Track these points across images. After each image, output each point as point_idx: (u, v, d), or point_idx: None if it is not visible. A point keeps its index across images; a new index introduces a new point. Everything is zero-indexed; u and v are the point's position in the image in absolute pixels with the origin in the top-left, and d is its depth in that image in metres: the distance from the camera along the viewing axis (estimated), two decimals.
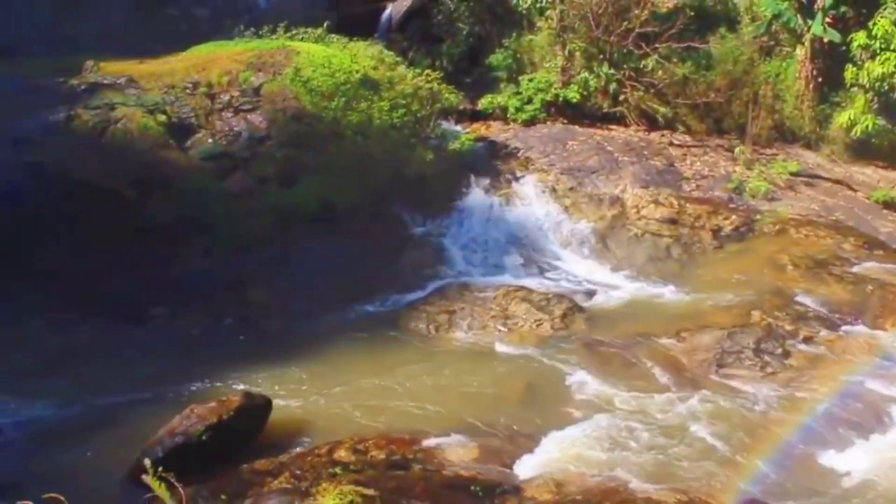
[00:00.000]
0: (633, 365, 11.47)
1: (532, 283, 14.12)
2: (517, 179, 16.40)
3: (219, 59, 16.15)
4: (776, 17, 18.01)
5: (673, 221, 15.42)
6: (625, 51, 18.40)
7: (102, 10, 19.52)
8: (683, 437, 9.60)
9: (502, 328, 12.67)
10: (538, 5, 18.96)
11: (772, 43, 18.83)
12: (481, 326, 12.72)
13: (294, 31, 17.22)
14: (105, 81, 15.54)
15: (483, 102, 18.60)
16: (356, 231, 14.30)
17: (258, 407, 9.76)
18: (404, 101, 15.57)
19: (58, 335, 12.58)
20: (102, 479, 8.98)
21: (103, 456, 9.50)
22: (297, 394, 10.85)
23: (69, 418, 10.45)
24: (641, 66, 18.35)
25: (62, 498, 4.16)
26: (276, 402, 10.03)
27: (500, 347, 12.22)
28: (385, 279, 13.98)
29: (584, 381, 10.98)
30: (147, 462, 4.36)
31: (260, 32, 17.21)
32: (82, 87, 15.41)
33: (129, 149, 14.03)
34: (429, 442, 9.44)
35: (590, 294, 13.91)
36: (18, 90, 15.20)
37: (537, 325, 12.62)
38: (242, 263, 13.61)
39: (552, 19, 18.68)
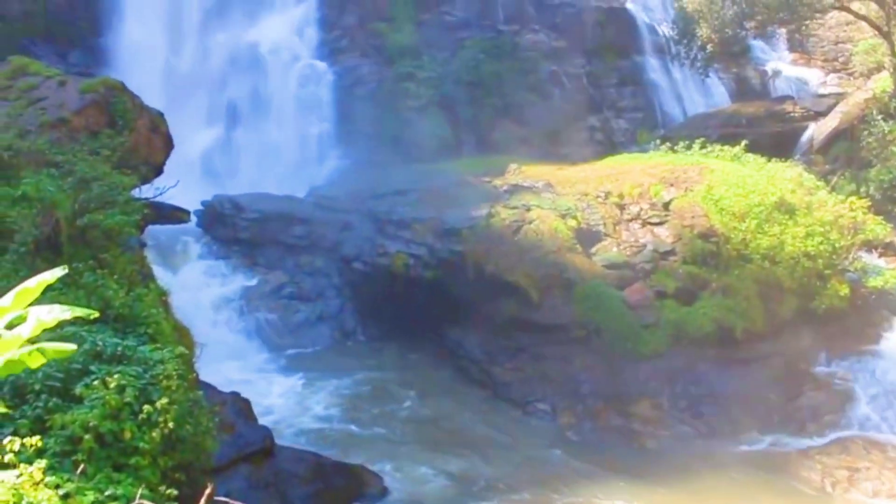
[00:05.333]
0: None
1: None
2: None
3: (632, 170, 16.58)
4: None
5: None
6: None
7: (532, 117, 21.36)
8: None
9: None
10: None
11: None
12: (890, 493, 11.19)
13: (710, 148, 17.13)
14: (525, 184, 16.81)
15: None
16: (753, 360, 13.58)
17: None
18: (822, 229, 14.56)
19: (453, 408, 13.62)
20: None
21: None
22: None
23: (444, 493, 11.16)
24: None
25: None
26: None
27: None
28: (779, 417, 13.00)
29: None
30: None
31: (675, 147, 17.38)
32: (504, 187, 16.83)
33: (538, 249, 14.86)
34: None
35: None
36: (452, 185, 17.08)
37: None
38: (630, 374, 13.58)
39: None
